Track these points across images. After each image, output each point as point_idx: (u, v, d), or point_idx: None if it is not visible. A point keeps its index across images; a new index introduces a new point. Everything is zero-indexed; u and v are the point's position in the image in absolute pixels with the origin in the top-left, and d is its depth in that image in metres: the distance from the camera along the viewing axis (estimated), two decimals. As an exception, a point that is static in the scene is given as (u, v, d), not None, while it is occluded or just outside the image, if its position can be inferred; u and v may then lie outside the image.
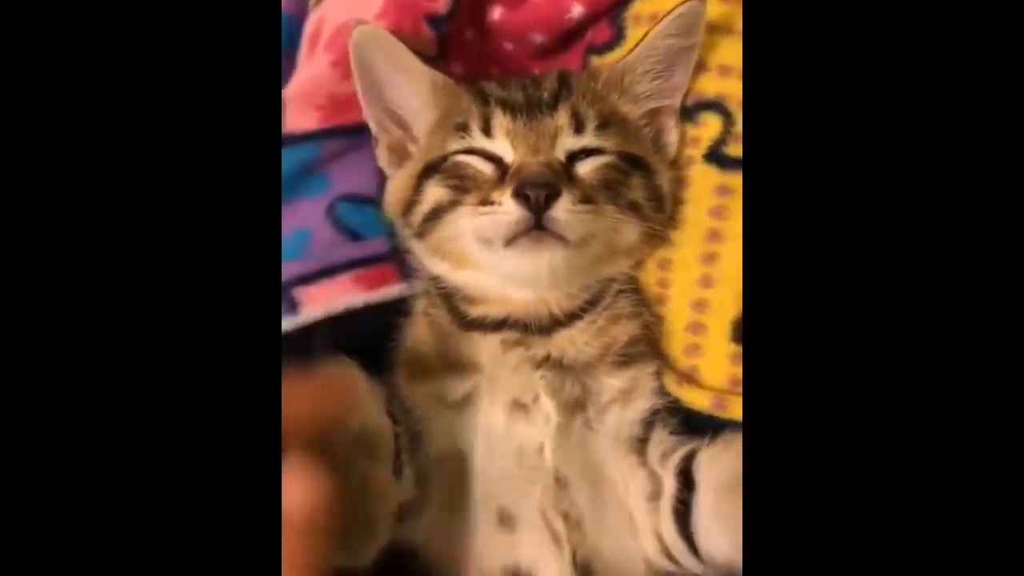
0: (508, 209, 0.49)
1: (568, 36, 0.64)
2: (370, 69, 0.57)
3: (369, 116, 0.59)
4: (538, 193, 0.48)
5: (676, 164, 0.58)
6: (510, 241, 0.49)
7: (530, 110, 0.53)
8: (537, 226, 0.48)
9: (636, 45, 0.56)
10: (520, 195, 0.48)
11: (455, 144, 0.54)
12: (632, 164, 0.54)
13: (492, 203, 0.49)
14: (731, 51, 0.57)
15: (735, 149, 0.56)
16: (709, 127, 0.57)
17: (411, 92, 0.58)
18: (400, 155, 0.59)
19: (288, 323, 0.57)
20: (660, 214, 0.55)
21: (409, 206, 0.56)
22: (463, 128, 0.54)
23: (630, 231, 0.54)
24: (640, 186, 0.54)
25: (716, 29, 0.58)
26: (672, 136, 0.58)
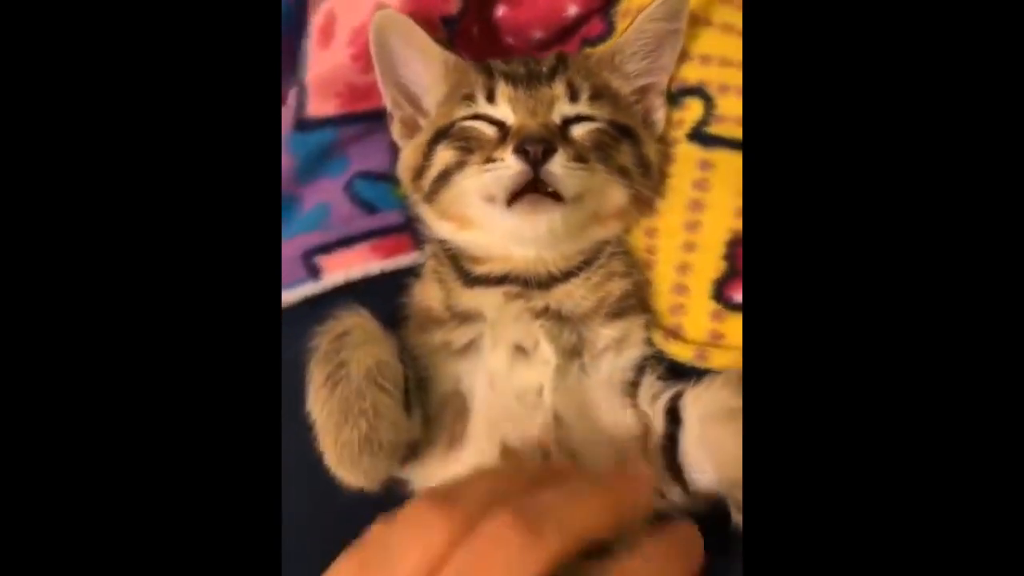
0: (509, 164, 0.54)
1: (564, 31, 0.69)
2: (388, 50, 0.62)
3: (385, 93, 0.64)
4: (536, 148, 0.53)
5: (663, 141, 0.62)
6: (511, 201, 0.54)
7: (530, 81, 0.59)
8: (535, 180, 0.53)
9: (626, 28, 0.61)
10: (520, 151, 0.53)
11: (462, 111, 0.60)
12: (622, 132, 0.59)
13: (495, 160, 0.55)
14: (710, 41, 0.63)
15: (716, 129, 0.61)
16: (692, 110, 0.62)
17: (424, 70, 0.63)
18: (412, 128, 0.64)
19: (311, 288, 0.63)
20: (647, 180, 0.60)
21: (420, 171, 0.61)
22: (469, 97, 0.59)
23: (619, 193, 0.59)
24: (629, 152, 0.59)
25: (697, 21, 0.63)
26: (660, 113, 0.63)
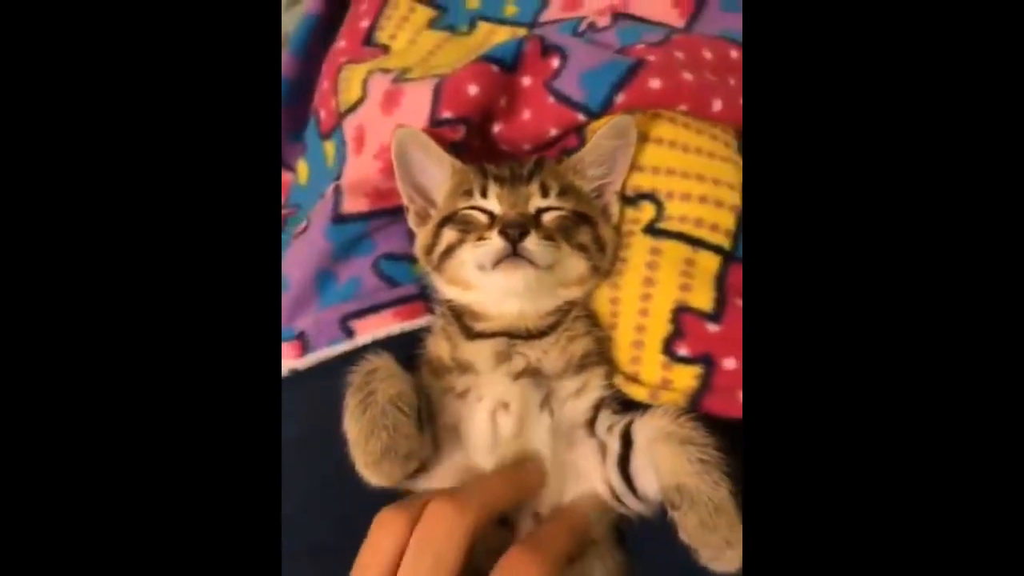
0: (495, 241, 0.69)
1: (547, 144, 0.84)
2: (407, 157, 0.79)
3: (403, 191, 0.80)
4: (514, 231, 0.69)
5: (621, 233, 0.77)
6: (495, 264, 0.70)
7: (513, 181, 0.75)
8: (514, 253, 0.69)
9: (586, 143, 0.78)
10: (503, 232, 0.69)
11: (462, 203, 0.76)
12: (582, 219, 0.75)
13: (484, 239, 0.70)
14: (659, 155, 0.78)
15: (664, 225, 0.75)
16: (646, 211, 0.77)
17: (435, 172, 0.79)
18: (424, 218, 0.80)
19: (346, 345, 0.78)
20: (602, 255, 0.75)
21: (431, 248, 0.76)
22: (468, 193, 0.75)
23: (580, 264, 0.74)
24: (587, 234, 0.75)
25: (647, 139, 0.78)
26: (614, 207, 0.78)
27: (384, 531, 0.55)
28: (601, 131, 0.77)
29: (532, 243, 0.70)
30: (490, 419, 0.70)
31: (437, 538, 0.51)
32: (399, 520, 0.55)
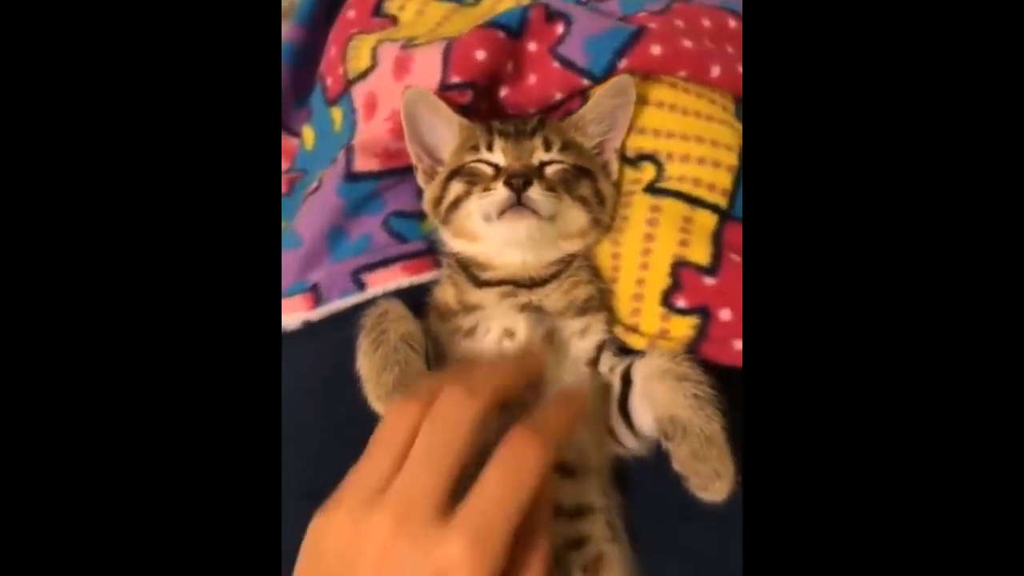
0: (500, 192, 0.72)
1: (551, 108, 0.87)
2: (415, 118, 0.82)
3: (412, 150, 0.83)
4: (518, 180, 0.72)
5: (622, 193, 0.81)
6: (500, 214, 0.72)
7: (517, 136, 0.78)
8: (518, 202, 0.72)
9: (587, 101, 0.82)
10: (508, 183, 0.72)
11: (469, 157, 0.78)
12: (583, 173, 0.78)
13: (490, 190, 0.73)
14: (660, 118, 0.81)
15: (663, 184, 0.78)
16: (646, 172, 0.80)
17: (443, 132, 0.82)
18: (431, 175, 0.83)
19: (357, 297, 0.80)
20: (602, 208, 0.78)
21: (439, 201, 0.79)
22: (475, 148, 0.78)
23: (580, 217, 0.77)
24: (588, 187, 0.77)
25: (647, 102, 0.82)
26: (614, 165, 0.81)
27: (398, 416, 0.54)
28: (602, 90, 0.80)
29: (535, 193, 0.73)
30: (497, 346, 0.73)
31: (449, 421, 0.51)
32: (412, 406, 0.54)
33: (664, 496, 0.67)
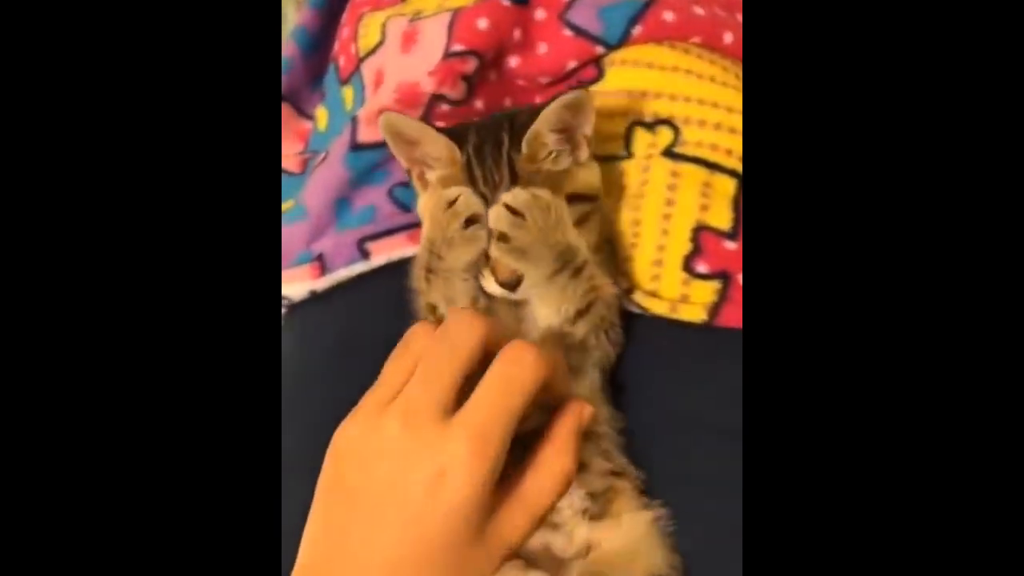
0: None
1: (564, 77, 0.85)
2: (396, 137, 0.73)
3: (401, 161, 0.75)
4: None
5: (639, 156, 0.78)
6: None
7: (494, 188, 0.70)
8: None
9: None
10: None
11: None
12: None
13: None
14: (677, 84, 0.79)
15: (681, 149, 0.76)
16: (663, 136, 0.78)
17: (428, 147, 0.73)
18: (424, 182, 0.75)
19: (362, 266, 0.78)
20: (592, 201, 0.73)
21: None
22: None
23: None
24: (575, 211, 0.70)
25: (666, 68, 0.80)
26: (585, 146, 0.72)
27: (409, 337, 0.56)
28: (560, 103, 0.69)
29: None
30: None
31: (455, 336, 0.52)
32: (423, 327, 0.56)
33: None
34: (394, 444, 0.49)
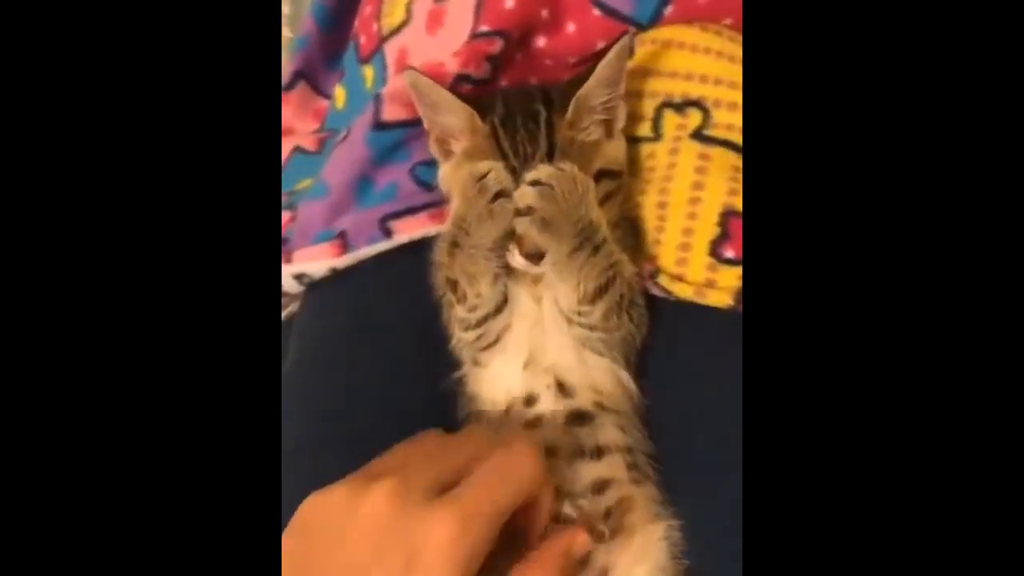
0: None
1: (593, 57, 0.80)
2: (420, 95, 0.74)
3: (424, 118, 0.76)
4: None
5: (667, 137, 0.76)
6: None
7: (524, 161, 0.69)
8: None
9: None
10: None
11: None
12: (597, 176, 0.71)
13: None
14: (707, 65, 0.77)
15: (711, 132, 0.75)
16: (692, 117, 0.76)
17: (448, 114, 0.73)
18: (443, 148, 0.76)
19: (384, 245, 0.77)
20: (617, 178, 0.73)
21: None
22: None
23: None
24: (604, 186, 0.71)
25: (696, 49, 0.78)
26: (621, 111, 0.74)
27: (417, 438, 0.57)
28: (611, 54, 0.71)
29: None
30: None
31: (519, 469, 0.53)
32: (432, 434, 0.58)
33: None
34: (373, 521, 0.48)
